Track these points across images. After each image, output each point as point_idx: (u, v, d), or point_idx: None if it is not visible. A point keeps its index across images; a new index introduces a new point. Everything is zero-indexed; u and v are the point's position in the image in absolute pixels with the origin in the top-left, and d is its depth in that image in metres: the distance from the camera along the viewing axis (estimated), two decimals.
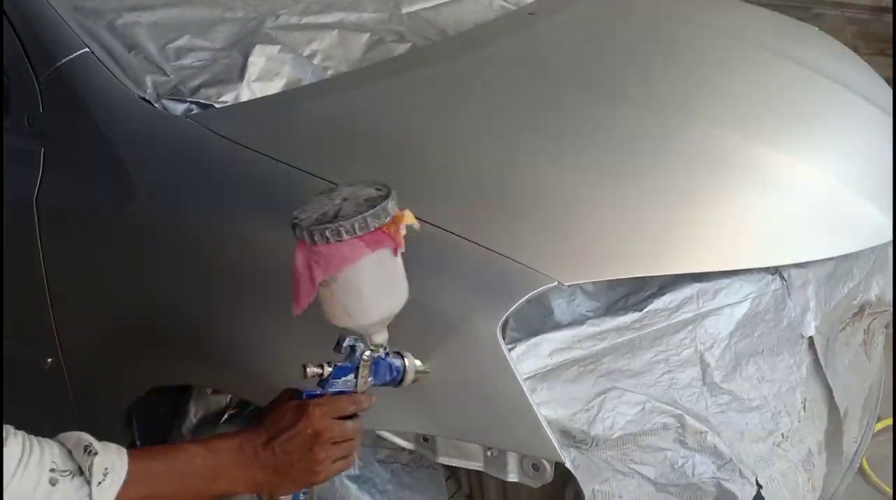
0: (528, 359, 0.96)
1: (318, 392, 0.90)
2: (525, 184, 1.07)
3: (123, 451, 0.84)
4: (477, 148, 1.16)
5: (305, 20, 1.41)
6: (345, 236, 0.81)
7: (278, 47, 1.33)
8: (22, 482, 0.77)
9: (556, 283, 0.96)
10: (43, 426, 1.52)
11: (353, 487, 1.16)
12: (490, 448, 0.99)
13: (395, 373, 0.93)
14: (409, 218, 0.85)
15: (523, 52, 1.46)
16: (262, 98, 1.25)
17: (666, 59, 1.49)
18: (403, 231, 0.85)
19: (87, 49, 1.23)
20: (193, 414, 1.27)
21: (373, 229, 0.82)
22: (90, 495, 0.80)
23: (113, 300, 1.24)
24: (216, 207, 1.12)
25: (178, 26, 1.31)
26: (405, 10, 1.54)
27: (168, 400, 1.36)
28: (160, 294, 1.18)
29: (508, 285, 0.95)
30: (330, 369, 0.88)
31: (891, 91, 1.62)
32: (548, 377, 0.97)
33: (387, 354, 0.92)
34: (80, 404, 1.39)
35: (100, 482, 0.80)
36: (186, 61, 1.28)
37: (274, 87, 1.29)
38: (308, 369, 0.88)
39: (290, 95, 1.27)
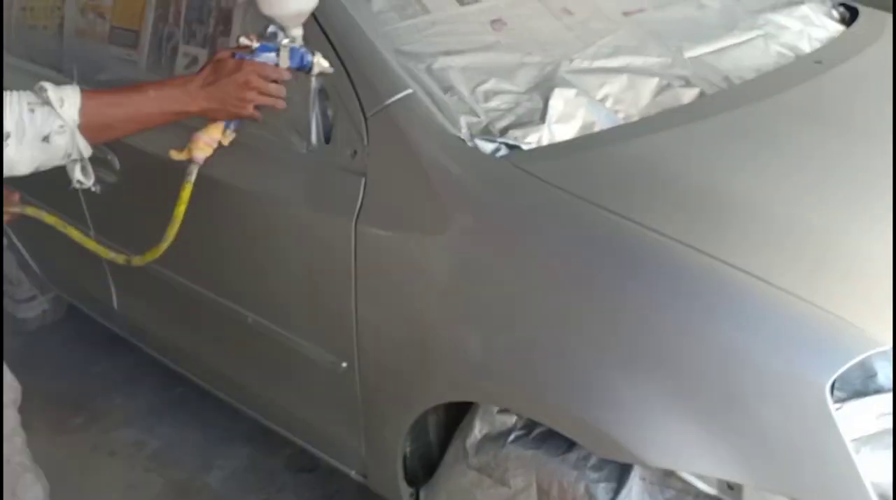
0: (855, 420, 0.96)
1: (248, 58, 1.25)
2: (849, 243, 1.07)
3: (77, 87, 1.19)
4: (786, 199, 1.17)
5: (596, 64, 1.48)
6: None
7: (574, 91, 1.41)
8: (11, 113, 1.11)
9: (888, 347, 0.95)
10: (329, 426, 1.70)
11: None
12: None
13: (306, 61, 1.28)
14: None
15: (815, 102, 1.44)
16: (570, 140, 1.33)
17: None
18: None
19: (411, 90, 1.36)
20: (478, 430, 1.36)
21: None
22: (59, 115, 1.13)
23: (413, 318, 1.37)
24: (527, 241, 1.21)
25: (486, 70, 1.42)
26: (687, 54, 1.57)
27: (443, 414, 1.48)
28: (461, 316, 1.28)
29: (840, 344, 0.96)
30: (257, 44, 1.26)
31: None
32: (871, 441, 0.97)
33: (301, 47, 1.26)
34: (366, 410, 1.53)
35: (60, 106, 1.14)
36: (494, 103, 1.38)
37: (571, 128, 1.37)
38: (241, 39, 1.27)
39: (595, 138, 1.34)
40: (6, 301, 2.82)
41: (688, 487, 1.15)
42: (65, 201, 2.08)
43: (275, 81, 1.26)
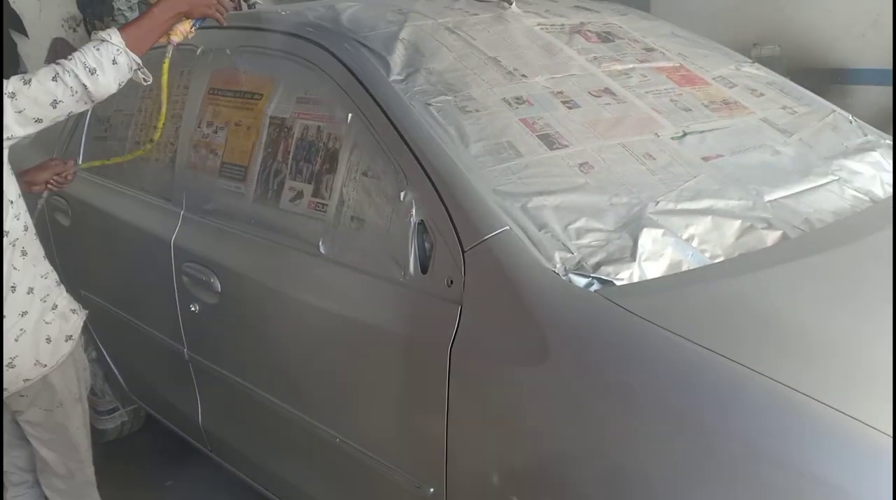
0: None
1: None
2: None
3: (114, 27, 1.72)
4: (878, 341, 1.20)
5: (680, 206, 1.56)
6: None
7: (662, 230, 1.49)
8: (89, 55, 1.66)
9: None
10: None
11: None
12: None
13: None
14: None
15: None
16: (661, 278, 1.40)
17: None
18: None
19: (507, 227, 1.46)
20: None
21: None
22: (112, 43, 1.67)
23: (507, 446, 1.40)
24: (623, 375, 1.25)
25: (577, 210, 1.52)
26: (767, 198, 1.64)
27: None
28: (556, 447, 1.31)
29: None
30: None
31: None
32: None
33: None
34: None
35: (109, 38, 1.68)
36: (585, 240, 1.46)
37: (660, 266, 1.44)
38: None
39: (685, 276, 1.40)
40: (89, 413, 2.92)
41: None
42: (164, 321, 2.21)
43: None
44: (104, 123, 2.60)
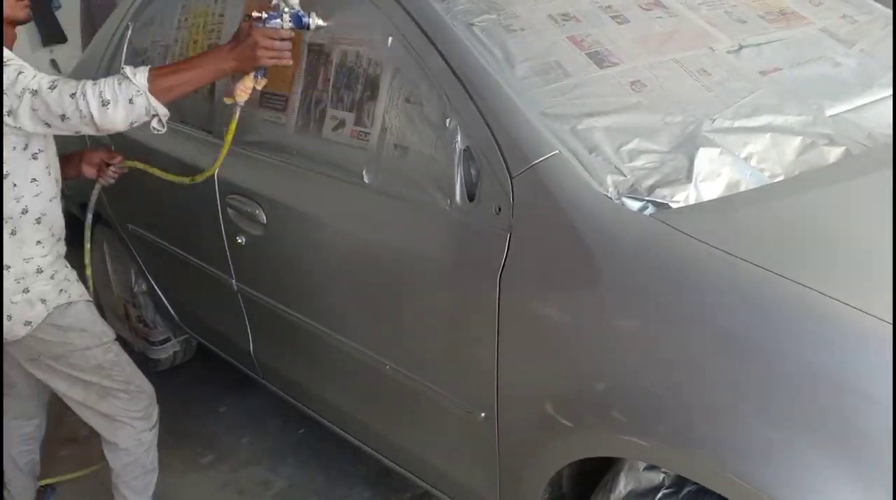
0: None
1: (259, 26, 1.71)
2: None
3: (147, 67, 1.66)
4: None
5: (738, 124, 1.50)
6: None
7: (718, 150, 1.43)
8: (110, 88, 1.62)
9: None
10: (463, 474, 1.73)
11: None
12: None
13: (304, 21, 1.75)
14: None
15: None
16: (718, 199, 1.35)
17: None
18: None
19: (557, 151, 1.42)
20: (623, 486, 1.37)
21: None
22: (135, 83, 1.63)
23: (559, 371, 1.40)
24: (679, 298, 1.23)
25: (629, 130, 1.47)
26: (828, 112, 1.57)
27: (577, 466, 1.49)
28: (610, 371, 1.31)
29: None
30: (265, 15, 1.71)
31: None
32: None
33: (300, 11, 1.74)
34: (504, 461, 1.56)
35: (134, 77, 1.63)
36: (639, 163, 1.42)
37: (717, 187, 1.39)
38: (254, 14, 1.71)
39: (744, 197, 1.36)
40: (142, 343, 3.00)
41: None
42: (212, 253, 2.23)
43: (282, 40, 1.73)
44: (141, 55, 2.58)
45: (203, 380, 3.01)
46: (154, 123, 1.69)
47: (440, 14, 1.65)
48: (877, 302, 1.08)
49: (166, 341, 2.97)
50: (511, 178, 1.44)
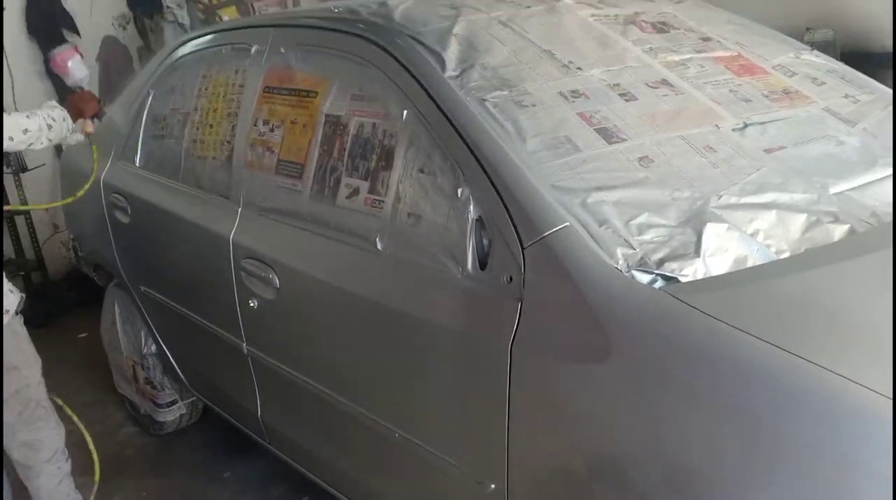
0: None
1: None
2: None
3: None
4: None
5: (744, 200, 1.54)
6: None
7: (726, 225, 1.46)
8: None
9: None
10: None
11: None
12: None
13: None
14: None
15: None
16: (727, 274, 1.38)
17: None
18: None
19: (568, 223, 1.45)
20: None
21: None
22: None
23: (568, 444, 1.40)
24: (690, 373, 1.24)
25: (638, 205, 1.50)
26: (832, 190, 1.61)
27: None
28: (620, 445, 1.31)
29: None
30: None
31: None
32: None
33: None
34: None
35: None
36: (648, 236, 1.44)
37: (725, 262, 1.41)
38: None
39: (752, 272, 1.38)
40: (149, 405, 3.00)
41: None
42: (224, 316, 2.25)
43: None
44: (160, 122, 2.66)
45: (209, 444, 3.00)
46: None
47: (454, 89, 1.71)
48: (878, 377, 1.10)
49: (173, 403, 2.97)
50: (522, 248, 1.47)
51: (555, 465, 1.42)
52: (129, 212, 2.69)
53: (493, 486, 1.54)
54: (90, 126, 2.59)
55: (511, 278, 1.49)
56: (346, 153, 1.89)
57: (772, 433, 1.14)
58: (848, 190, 1.63)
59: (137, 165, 2.75)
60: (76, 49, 3.56)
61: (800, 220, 1.51)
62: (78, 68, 3.42)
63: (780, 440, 1.13)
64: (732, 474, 1.17)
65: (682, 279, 1.37)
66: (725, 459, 1.18)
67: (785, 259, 1.42)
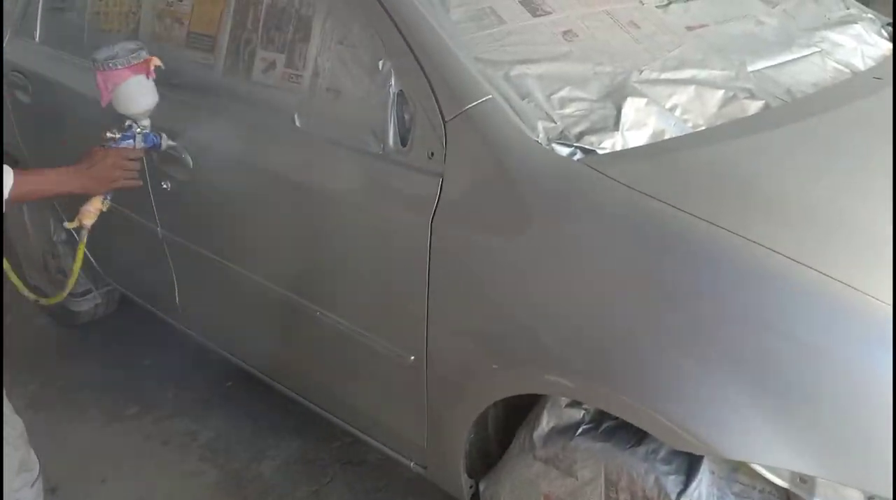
0: None
1: (113, 145, 1.79)
2: None
3: (10, 169, 1.58)
4: (863, 205, 1.22)
5: (664, 76, 1.54)
6: (119, 67, 1.75)
7: (645, 100, 1.47)
8: None
9: None
10: (392, 418, 1.75)
11: None
12: (873, 497, 1.04)
13: (156, 141, 1.85)
14: (156, 61, 1.79)
15: (881, 115, 1.50)
16: (643, 146, 1.39)
17: None
18: (153, 65, 1.78)
19: (490, 96, 1.43)
20: (546, 423, 1.42)
21: (132, 64, 1.76)
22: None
23: (487, 312, 1.42)
24: (605, 241, 1.27)
25: (560, 78, 1.49)
26: (750, 68, 1.63)
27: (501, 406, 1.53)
28: (537, 311, 1.34)
29: None
30: (119, 135, 1.80)
31: None
32: None
33: (150, 131, 1.84)
34: (432, 403, 1.59)
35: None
36: (569, 110, 1.44)
37: (642, 135, 1.43)
38: (107, 134, 1.79)
39: (667, 145, 1.40)
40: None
41: (755, 481, 1.21)
42: (136, 198, 2.17)
43: (132, 159, 1.80)
44: None
45: (127, 333, 2.95)
46: None
47: None
48: (790, 242, 1.14)
49: (87, 292, 2.88)
50: (444, 122, 1.44)
51: (471, 336, 1.45)
52: (30, 90, 2.51)
53: (412, 358, 1.57)
54: (92, 216, 1.85)
55: (432, 154, 1.46)
56: (261, 24, 1.80)
57: (688, 298, 1.18)
58: (765, 68, 1.65)
59: (37, 40, 2.55)
60: (147, 64, 1.81)
61: (717, 95, 1.53)
62: (141, 92, 1.83)
63: (696, 305, 1.17)
64: (644, 335, 1.21)
65: (600, 152, 1.37)
66: (638, 321, 1.21)
67: (700, 132, 1.44)
